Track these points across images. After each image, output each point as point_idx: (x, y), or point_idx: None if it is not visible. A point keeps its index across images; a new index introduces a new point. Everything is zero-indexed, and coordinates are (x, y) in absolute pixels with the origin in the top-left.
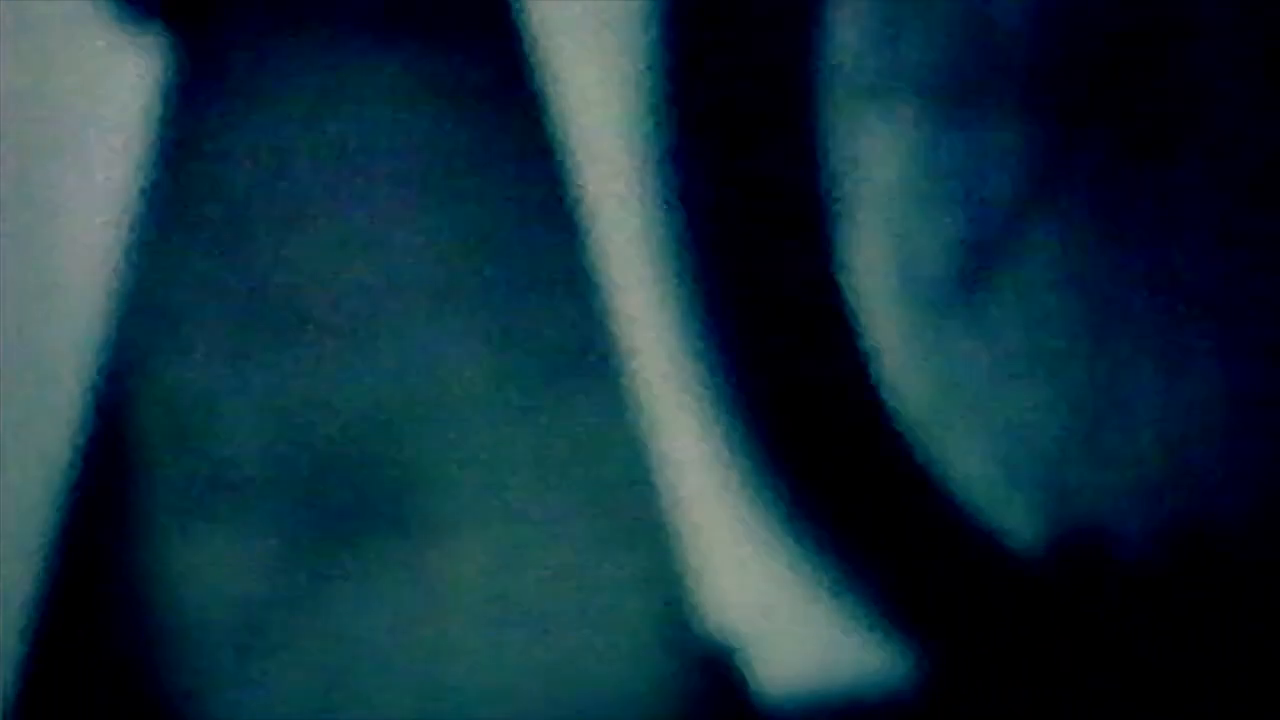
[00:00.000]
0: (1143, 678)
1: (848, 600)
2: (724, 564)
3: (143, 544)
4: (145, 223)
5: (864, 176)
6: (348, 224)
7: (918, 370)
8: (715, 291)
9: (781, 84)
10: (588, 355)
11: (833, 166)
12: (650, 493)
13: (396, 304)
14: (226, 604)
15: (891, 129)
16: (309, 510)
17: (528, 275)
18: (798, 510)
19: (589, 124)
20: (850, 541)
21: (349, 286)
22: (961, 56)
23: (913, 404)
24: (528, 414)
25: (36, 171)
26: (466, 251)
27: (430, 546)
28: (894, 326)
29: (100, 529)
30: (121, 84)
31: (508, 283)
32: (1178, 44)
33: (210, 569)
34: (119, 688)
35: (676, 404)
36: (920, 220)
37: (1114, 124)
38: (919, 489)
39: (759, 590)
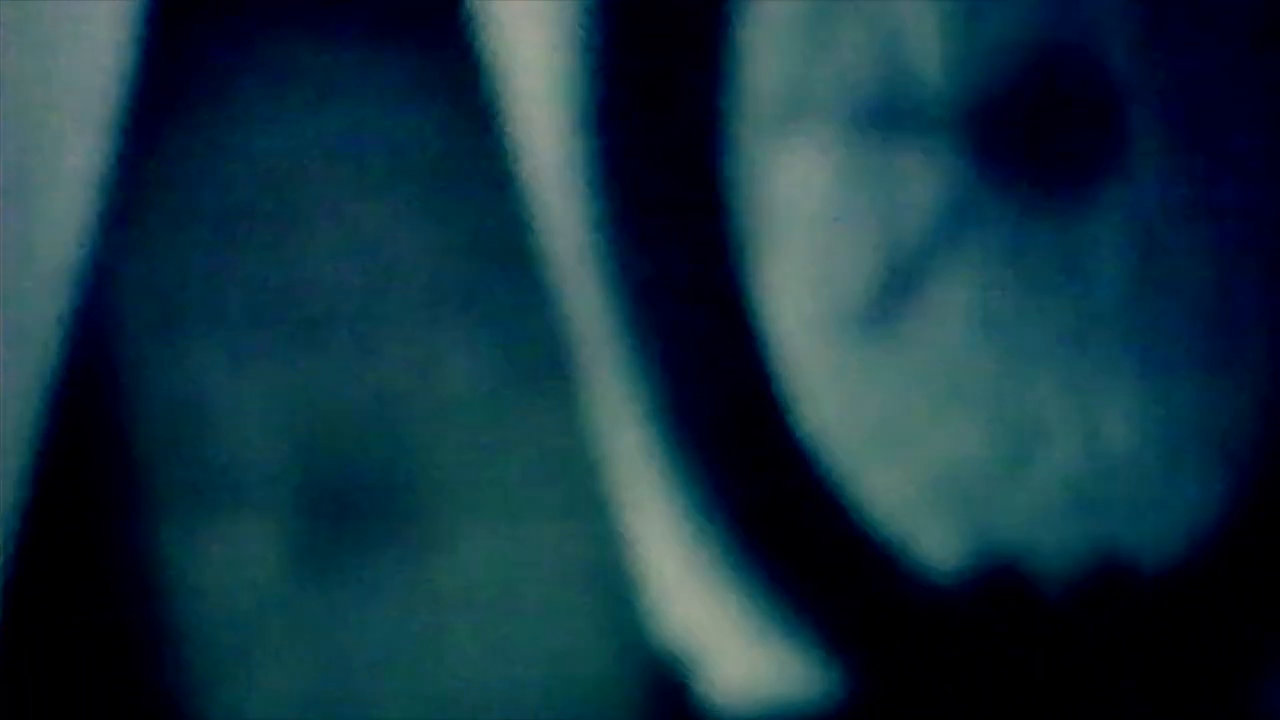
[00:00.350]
0: (1055, 701)
1: (781, 621)
2: (672, 585)
3: (142, 543)
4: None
5: (781, 203)
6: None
7: (838, 399)
8: (635, 323)
9: (693, 110)
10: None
11: (745, 192)
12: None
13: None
14: (226, 603)
15: (808, 156)
16: (309, 509)
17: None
18: (730, 537)
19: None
20: (775, 566)
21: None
22: (878, 87)
23: (833, 433)
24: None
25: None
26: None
27: (430, 546)
28: (813, 355)
29: (99, 527)
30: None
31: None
32: (1093, 85)
33: (210, 568)
34: (119, 687)
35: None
36: (837, 249)
37: (1028, 160)
38: (836, 516)
39: (704, 612)
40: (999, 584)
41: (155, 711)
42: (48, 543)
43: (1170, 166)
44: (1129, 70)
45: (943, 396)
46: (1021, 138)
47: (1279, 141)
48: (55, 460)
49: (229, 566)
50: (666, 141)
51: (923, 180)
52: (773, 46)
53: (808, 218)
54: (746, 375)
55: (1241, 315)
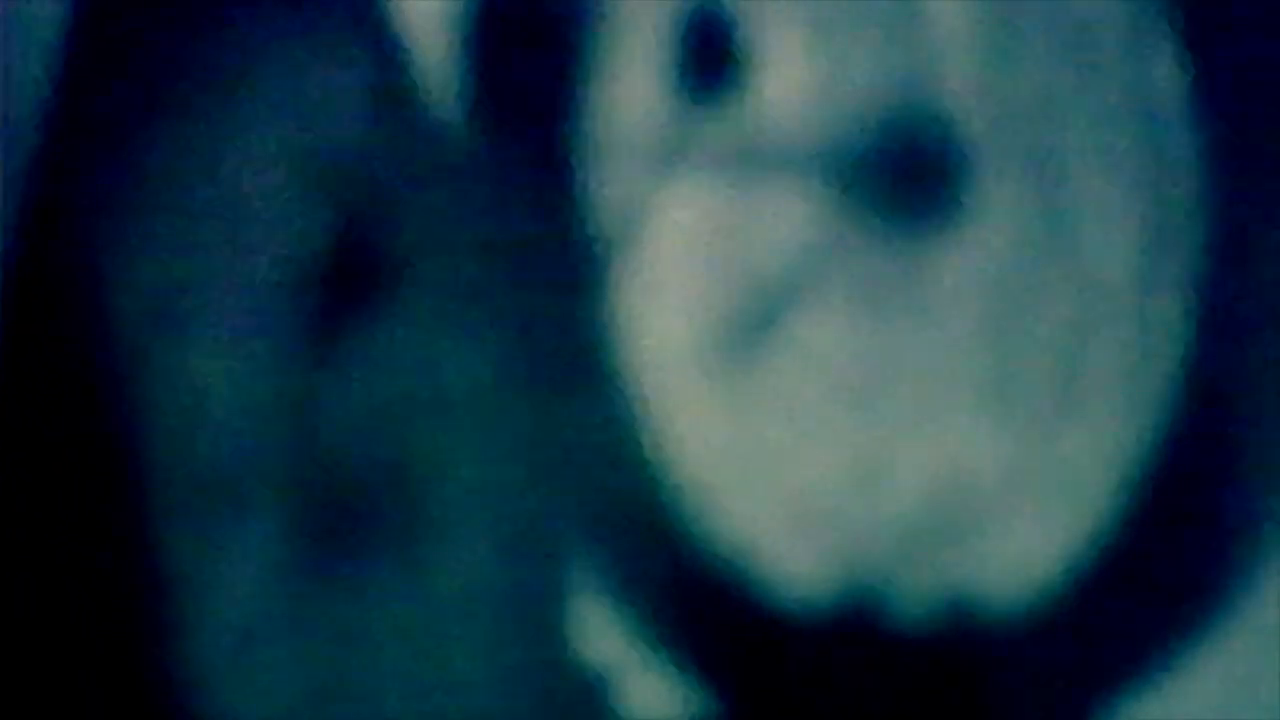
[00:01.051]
0: None
1: (655, 649)
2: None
3: (141, 541)
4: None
5: (648, 240)
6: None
7: (702, 433)
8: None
9: (557, 144)
10: None
11: (611, 228)
12: None
13: None
14: (226, 602)
15: (676, 194)
16: (309, 509)
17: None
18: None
19: None
20: (645, 600)
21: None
22: (744, 130)
23: (697, 466)
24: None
25: None
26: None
27: (431, 546)
28: (678, 391)
29: (98, 525)
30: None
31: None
32: (950, 131)
33: (210, 568)
34: (120, 686)
35: None
36: (705, 284)
37: (888, 204)
38: (699, 548)
39: (611, 634)
40: (855, 613)
41: (154, 711)
42: (42, 533)
43: (1026, 211)
44: (985, 117)
45: (803, 430)
46: (882, 183)
47: (1137, 186)
48: (53, 455)
49: (229, 565)
50: (527, 172)
51: (786, 222)
52: (640, 84)
53: (674, 254)
54: (608, 414)
55: (1095, 357)
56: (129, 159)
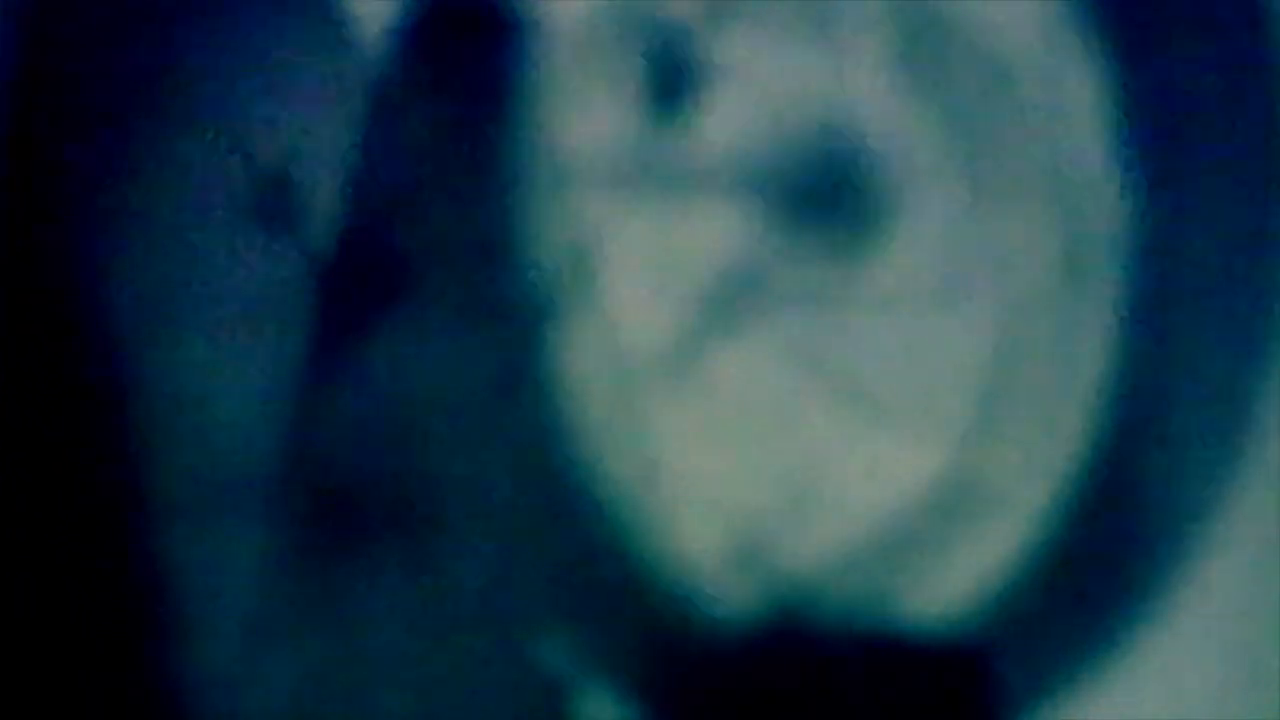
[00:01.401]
0: None
1: (592, 667)
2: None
3: (142, 543)
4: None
5: (579, 258)
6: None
7: (635, 451)
8: None
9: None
10: None
11: (541, 248)
12: None
13: None
14: (227, 603)
15: (604, 212)
16: (309, 510)
17: None
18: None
19: None
20: (579, 619)
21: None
22: (675, 148)
23: (622, 480)
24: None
25: None
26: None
27: (431, 547)
28: (610, 408)
29: (98, 526)
30: None
31: None
32: (873, 158)
33: (210, 569)
34: (120, 686)
35: None
36: (633, 305)
37: (813, 225)
38: (631, 567)
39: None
40: (783, 631)
41: (155, 711)
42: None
43: (947, 238)
44: (910, 137)
45: (733, 449)
46: (809, 205)
47: (1057, 198)
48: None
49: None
50: (453, 196)
51: (715, 241)
52: (570, 104)
53: (605, 273)
54: (537, 435)
55: (1017, 379)
56: (124, 159)
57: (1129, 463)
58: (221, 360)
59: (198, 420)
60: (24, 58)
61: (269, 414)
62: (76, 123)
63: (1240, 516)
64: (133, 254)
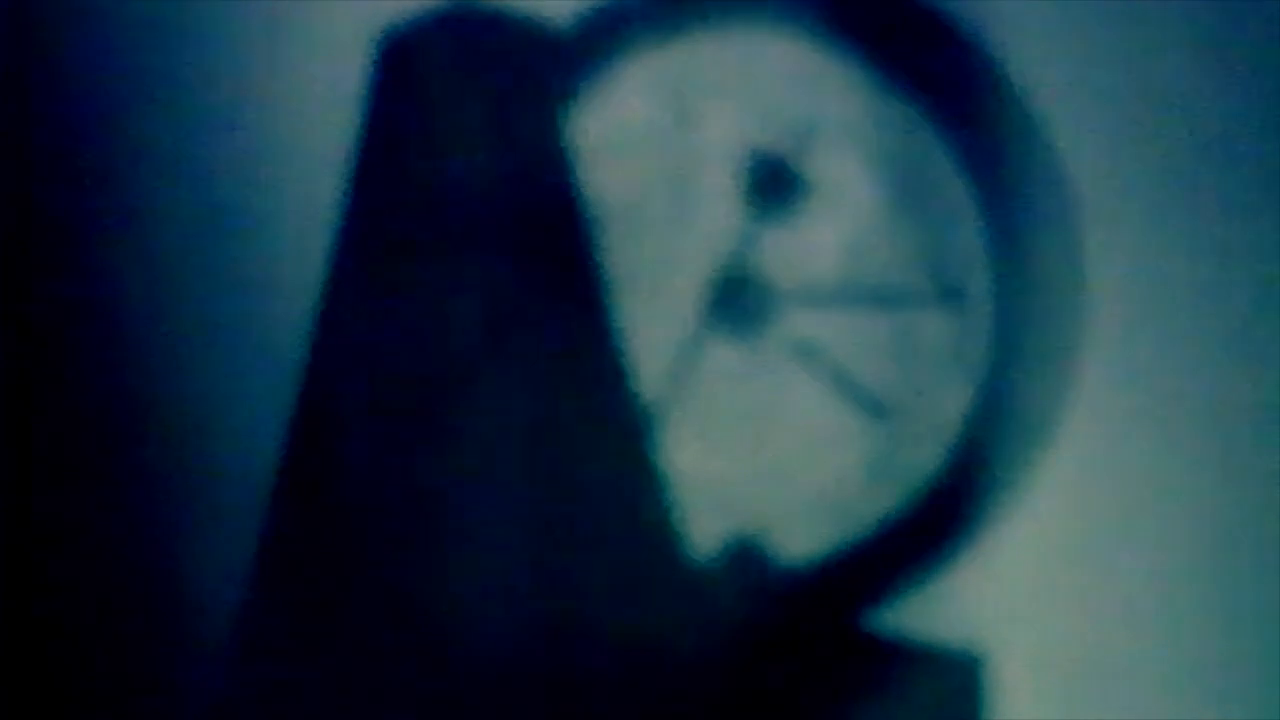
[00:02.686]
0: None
1: None
2: None
3: (143, 543)
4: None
5: None
6: None
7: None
8: None
9: None
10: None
11: None
12: None
13: None
14: (228, 604)
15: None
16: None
17: None
18: None
19: None
20: None
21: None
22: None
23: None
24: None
25: None
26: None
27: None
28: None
29: (100, 527)
30: None
31: None
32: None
33: (211, 569)
34: (121, 687)
35: None
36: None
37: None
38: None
39: None
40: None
41: (156, 712)
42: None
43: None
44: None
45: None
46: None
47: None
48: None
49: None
50: None
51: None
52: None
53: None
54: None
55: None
56: (125, 160)
57: None
58: (222, 360)
59: (199, 423)
60: (24, 61)
61: (269, 414)
62: (76, 123)
63: (1240, 516)
64: (133, 254)
